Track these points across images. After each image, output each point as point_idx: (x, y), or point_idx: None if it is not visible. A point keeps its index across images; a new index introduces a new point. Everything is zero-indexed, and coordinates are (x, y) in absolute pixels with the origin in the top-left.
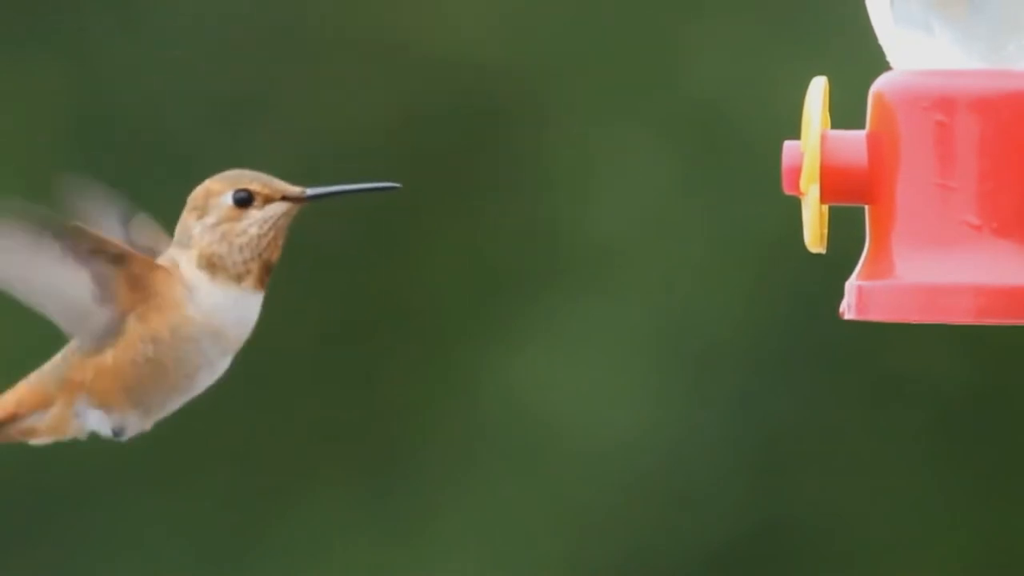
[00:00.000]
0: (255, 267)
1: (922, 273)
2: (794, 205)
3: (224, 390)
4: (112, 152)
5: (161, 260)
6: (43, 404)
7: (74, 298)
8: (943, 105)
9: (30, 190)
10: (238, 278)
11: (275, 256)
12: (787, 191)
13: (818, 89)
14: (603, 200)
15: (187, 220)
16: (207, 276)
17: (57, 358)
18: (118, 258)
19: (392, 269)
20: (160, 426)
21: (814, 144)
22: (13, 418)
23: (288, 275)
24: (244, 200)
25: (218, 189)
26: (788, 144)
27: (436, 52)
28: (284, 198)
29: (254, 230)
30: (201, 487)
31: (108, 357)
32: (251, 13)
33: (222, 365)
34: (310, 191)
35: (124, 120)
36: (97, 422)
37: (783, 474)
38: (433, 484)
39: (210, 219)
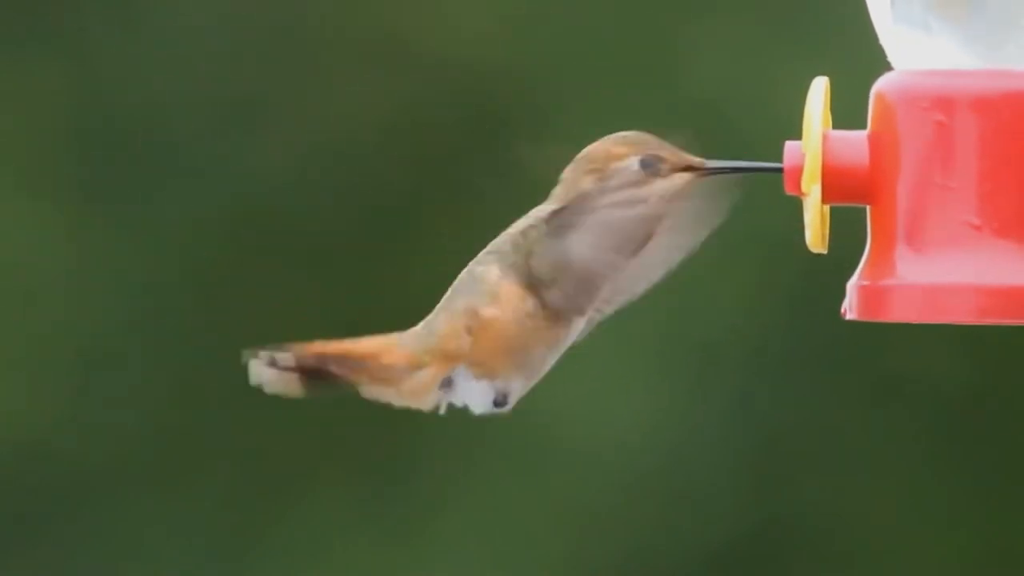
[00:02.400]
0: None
1: (923, 273)
2: (795, 205)
3: (224, 390)
4: (112, 152)
5: (527, 217)
6: (408, 363)
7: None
8: (943, 105)
9: (30, 190)
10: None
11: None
12: (788, 191)
13: (819, 89)
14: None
15: (579, 180)
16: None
17: (427, 321)
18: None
19: (392, 269)
20: (160, 426)
21: (816, 144)
22: (366, 359)
23: (288, 275)
24: (651, 166)
25: (622, 153)
26: (789, 144)
27: (436, 52)
28: (688, 168)
29: (655, 200)
30: (201, 487)
31: (489, 321)
32: (251, 13)
33: (593, 316)
34: (710, 163)
35: (124, 120)
36: (479, 393)
37: (783, 474)
38: (433, 484)
39: (612, 182)
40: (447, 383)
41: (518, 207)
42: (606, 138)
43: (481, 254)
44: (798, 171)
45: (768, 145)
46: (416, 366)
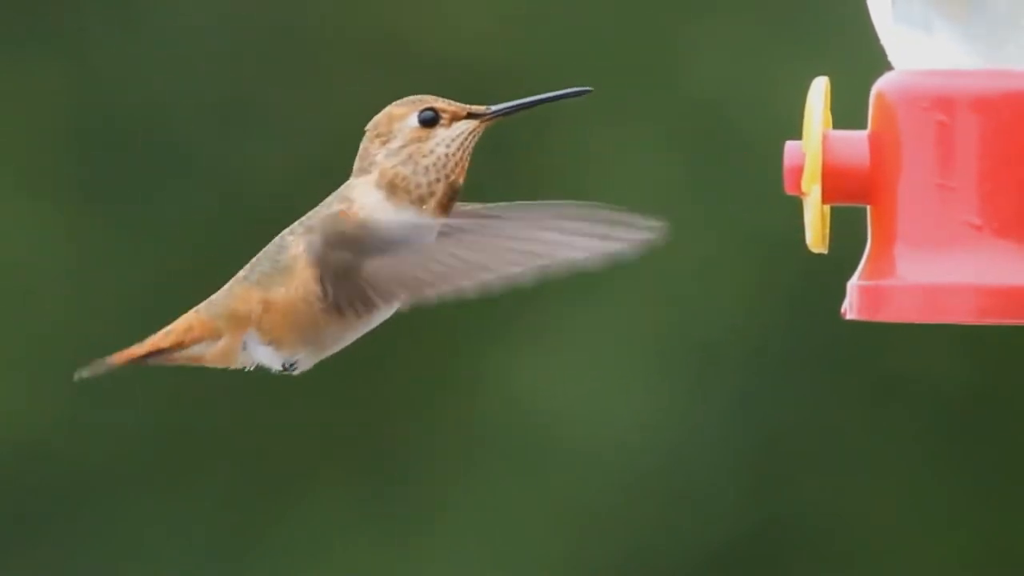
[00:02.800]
0: (439, 189)
1: (923, 273)
2: (796, 205)
3: (224, 390)
4: (112, 152)
5: (335, 195)
6: (212, 335)
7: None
8: (943, 105)
9: (30, 190)
10: (420, 200)
11: (461, 179)
12: (789, 191)
13: (819, 89)
14: (603, 200)
15: (369, 148)
16: (384, 197)
17: (225, 289)
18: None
19: None
20: (160, 426)
21: (816, 144)
22: (180, 345)
23: None
24: (430, 119)
25: (401, 112)
26: (790, 144)
27: (436, 52)
28: (470, 115)
29: (441, 149)
30: (201, 487)
31: (279, 295)
32: (251, 13)
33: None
34: (496, 107)
35: (124, 120)
36: (267, 358)
37: (783, 474)
38: (433, 484)
39: (395, 143)
40: (247, 346)
41: None
42: (390, 104)
43: (297, 222)
44: (798, 171)
45: (768, 145)
46: (217, 335)
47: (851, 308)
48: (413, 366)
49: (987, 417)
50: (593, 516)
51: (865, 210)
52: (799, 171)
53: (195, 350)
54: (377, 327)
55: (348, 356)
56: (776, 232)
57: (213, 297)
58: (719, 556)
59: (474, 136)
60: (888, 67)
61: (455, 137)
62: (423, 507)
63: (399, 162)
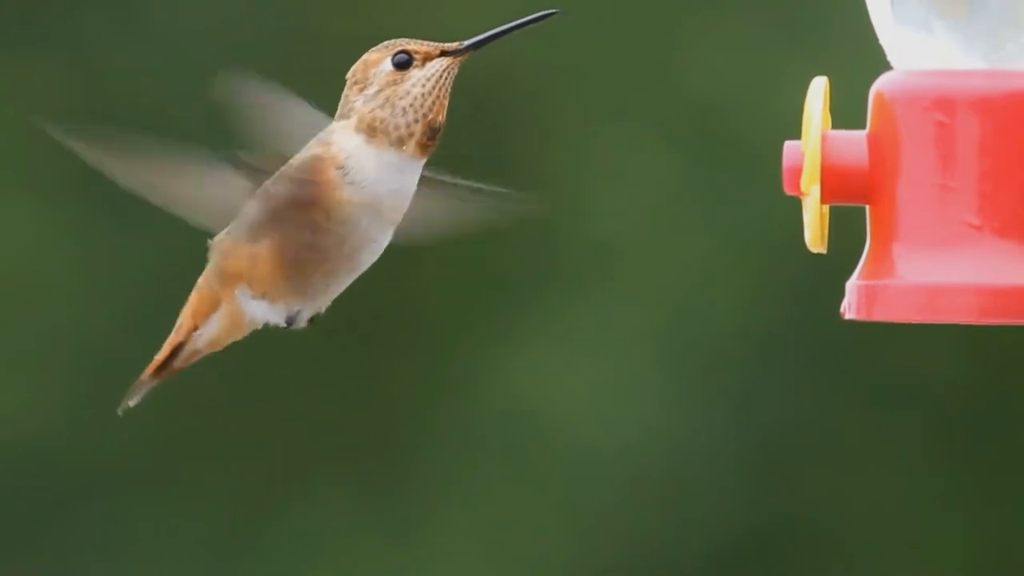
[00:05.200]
0: (418, 129)
1: (922, 273)
2: (795, 205)
3: (224, 390)
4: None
5: (314, 145)
6: (215, 305)
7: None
8: (943, 105)
9: (30, 189)
10: (399, 142)
11: (440, 118)
12: (788, 191)
13: (819, 89)
14: (603, 200)
15: (348, 96)
16: (364, 140)
17: (213, 255)
18: (279, 163)
19: (392, 268)
20: (160, 426)
21: (815, 144)
22: (194, 330)
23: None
24: (404, 62)
25: (376, 58)
26: (789, 144)
27: None
28: (443, 53)
29: (417, 89)
30: (201, 487)
31: (264, 247)
32: (252, 13)
33: (384, 240)
34: (468, 41)
35: (124, 120)
36: (263, 313)
37: (783, 474)
38: (433, 484)
39: (372, 88)
40: (242, 304)
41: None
42: (367, 52)
43: (277, 174)
44: (797, 171)
45: (768, 145)
46: (217, 304)
47: (850, 308)
48: (413, 366)
49: (987, 417)
50: (593, 516)
51: (864, 210)
52: (798, 171)
53: (210, 330)
54: (377, 327)
55: (348, 356)
56: (776, 232)
57: (207, 269)
58: (719, 556)
59: (449, 73)
60: (888, 67)
61: (430, 77)
62: (423, 507)
63: (376, 106)
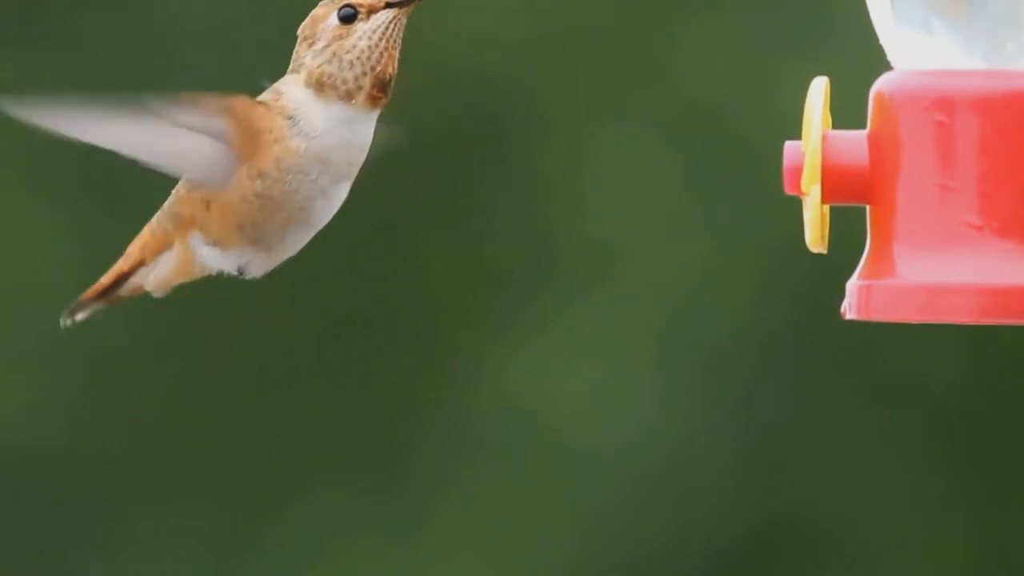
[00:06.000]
0: (367, 82)
1: (923, 273)
2: (795, 205)
3: (224, 390)
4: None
5: (265, 94)
6: (166, 245)
7: (198, 157)
8: (943, 105)
9: (30, 189)
10: (348, 95)
11: (390, 69)
12: (788, 191)
13: (819, 89)
14: (603, 201)
15: (298, 52)
16: (313, 94)
17: (170, 198)
18: (226, 109)
19: (393, 269)
20: (160, 426)
21: (815, 144)
22: (141, 264)
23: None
24: (349, 16)
25: (323, 13)
26: (789, 144)
27: (436, 52)
28: (388, 5)
29: (363, 43)
30: (201, 487)
31: (218, 195)
32: (252, 14)
33: (338, 194)
34: None
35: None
36: (215, 260)
37: (783, 474)
38: (433, 484)
39: (320, 43)
40: (195, 250)
41: (518, 207)
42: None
43: (225, 119)
44: (798, 171)
45: (768, 145)
46: (171, 245)
47: (851, 308)
48: (413, 366)
49: (987, 417)
50: (593, 516)
51: (865, 210)
52: (799, 171)
53: (159, 270)
54: (376, 327)
55: (348, 356)
56: (776, 232)
57: (162, 207)
58: (719, 556)
59: (397, 24)
60: (888, 67)
61: (375, 29)
62: (423, 507)
63: (324, 61)
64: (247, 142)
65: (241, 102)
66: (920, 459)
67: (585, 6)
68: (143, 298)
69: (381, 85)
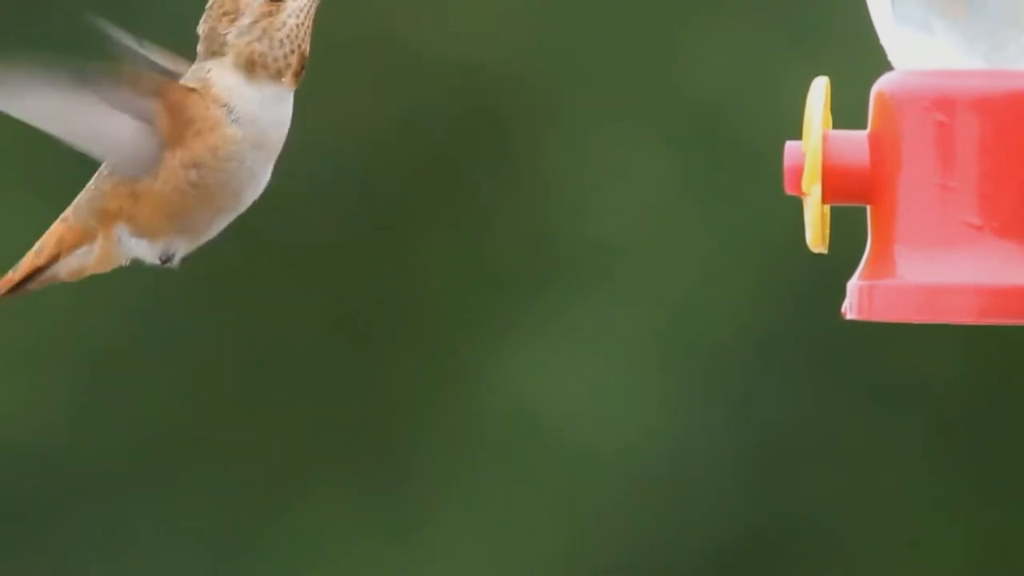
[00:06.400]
0: (294, 60)
1: (923, 273)
2: (795, 205)
3: (224, 390)
4: None
5: (188, 79)
6: (86, 239)
7: (119, 138)
8: (943, 105)
9: (31, 191)
10: (278, 74)
11: (307, 47)
12: (789, 191)
13: (819, 89)
14: (603, 201)
15: (216, 28)
16: (245, 77)
17: (89, 189)
18: (157, 92)
19: (392, 269)
20: (160, 426)
21: (816, 144)
22: (56, 258)
23: (288, 275)
24: None
25: None
26: (790, 144)
27: (436, 52)
28: None
29: (292, 20)
30: (201, 487)
31: (149, 187)
32: None
33: (265, 175)
34: None
35: None
36: (141, 251)
37: (784, 474)
38: (433, 484)
39: (246, 20)
40: (121, 242)
41: (518, 206)
42: None
43: (158, 110)
44: (798, 171)
45: (768, 145)
46: (91, 238)
47: (851, 308)
48: (413, 366)
49: (987, 417)
50: (594, 516)
51: (865, 210)
52: (799, 171)
53: (74, 262)
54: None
55: (348, 356)
56: (776, 232)
57: (78, 200)
58: (719, 556)
59: (316, 2)
60: (888, 67)
61: (302, 7)
62: (423, 507)
63: (254, 39)
64: (175, 129)
65: (175, 87)
66: (920, 459)
67: (585, 6)
68: (143, 298)
69: (304, 62)
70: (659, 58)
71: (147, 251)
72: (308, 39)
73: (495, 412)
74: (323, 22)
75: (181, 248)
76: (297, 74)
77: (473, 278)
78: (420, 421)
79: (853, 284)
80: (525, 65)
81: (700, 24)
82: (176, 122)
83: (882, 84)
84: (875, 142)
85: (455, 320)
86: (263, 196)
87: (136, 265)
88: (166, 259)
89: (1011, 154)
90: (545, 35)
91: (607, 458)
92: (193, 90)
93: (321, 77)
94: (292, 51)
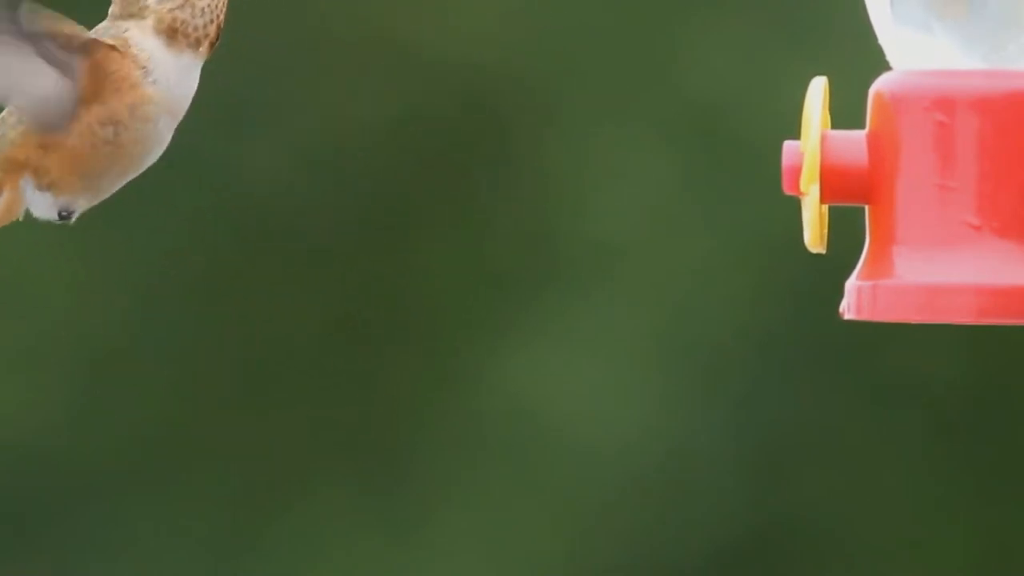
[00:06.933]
0: (212, 31)
1: (922, 273)
2: (795, 205)
3: (224, 390)
4: None
5: (107, 35)
6: None
7: (38, 88)
8: (943, 105)
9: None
10: (196, 43)
11: (223, 18)
12: (787, 191)
13: (818, 89)
14: (603, 201)
15: None
16: (165, 42)
17: None
18: (81, 46)
19: (392, 269)
20: (160, 426)
21: (814, 144)
22: None
23: (288, 275)
24: None
25: None
26: (788, 144)
27: (436, 52)
28: None
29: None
30: (201, 487)
31: (62, 141)
32: (251, 13)
33: (168, 139)
34: None
35: None
36: (43, 205)
37: (784, 474)
38: (433, 484)
39: None
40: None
41: (518, 206)
42: None
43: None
44: (796, 171)
45: (767, 145)
46: None
47: (850, 308)
48: (413, 366)
49: (987, 417)
50: (594, 516)
51: (864, 210)
52: (797, 171)
53: None
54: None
55: (348, 356)
56: (776, 232)
57: None
58: (719, 556)
59: None
60: (888, 67)
61: None
62: (423, 507)
63: (175, 7)
64: (94, 84)
65: (98, 43)
66: (920, 459)
67: (585, 6)
68: (143, 298)
69: (219, 34)
70: (659, 58)
71: (48, 206)
72: (224, 10)
73: (495, 412)
74: (323, 22)
75: (81, 205)
76: (212, 45)
77: (473, 278)
78: (420, 421)
79: (851, 284)
80: (525, 65)
81: (700, 24)
82: (96, 78)
83: (881, 84)
84: (874, 142)
85: (455, 320)
86: (263, 196)
87: (29, 219)
88: (66, 215)
89: (1011, 154)
90: (545, 35)
91: (607, 458)
92: (114, 48)
93: (321, 77)
94: (211, 21)
